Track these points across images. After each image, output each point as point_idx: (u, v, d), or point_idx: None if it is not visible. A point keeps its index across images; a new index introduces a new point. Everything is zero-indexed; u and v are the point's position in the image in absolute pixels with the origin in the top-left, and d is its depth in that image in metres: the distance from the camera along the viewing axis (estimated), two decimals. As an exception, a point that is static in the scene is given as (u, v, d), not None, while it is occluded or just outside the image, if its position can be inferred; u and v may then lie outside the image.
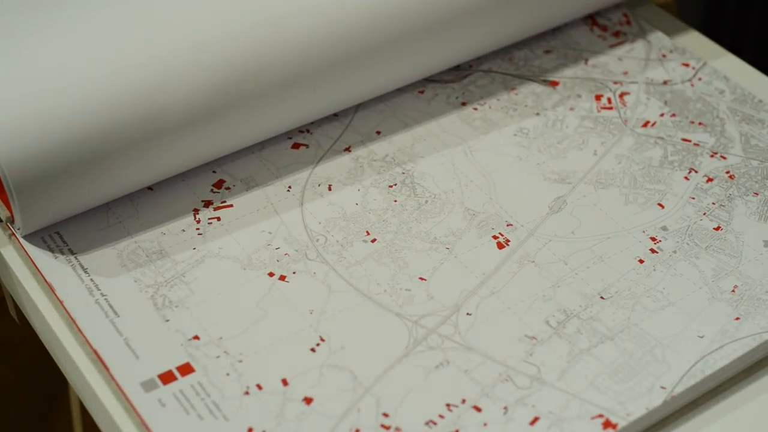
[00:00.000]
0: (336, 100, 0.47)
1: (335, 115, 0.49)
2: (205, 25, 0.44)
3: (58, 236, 0.44)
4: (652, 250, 0.44)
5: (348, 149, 0.48)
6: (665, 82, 0.51)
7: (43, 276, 0.42)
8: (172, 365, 0.40)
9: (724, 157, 0.48)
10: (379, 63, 0.47)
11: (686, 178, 0.47)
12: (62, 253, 0.43)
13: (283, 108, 0.46)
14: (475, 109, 0.50)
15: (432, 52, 0.48)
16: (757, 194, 0.46)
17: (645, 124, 0.49)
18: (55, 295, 0.42)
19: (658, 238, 0.44)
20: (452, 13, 0.48)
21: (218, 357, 0.40)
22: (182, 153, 0.44)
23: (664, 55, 0.53)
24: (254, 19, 0.44)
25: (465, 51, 0.50)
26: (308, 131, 0.48)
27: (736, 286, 0.43)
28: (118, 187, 0.44)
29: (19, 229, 0.43)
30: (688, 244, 0.44)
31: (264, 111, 0.45)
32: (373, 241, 0.44)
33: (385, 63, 0.47)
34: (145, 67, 0.42)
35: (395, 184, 0.46)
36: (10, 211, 0.43)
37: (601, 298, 0.42)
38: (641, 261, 0.44)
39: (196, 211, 0.45)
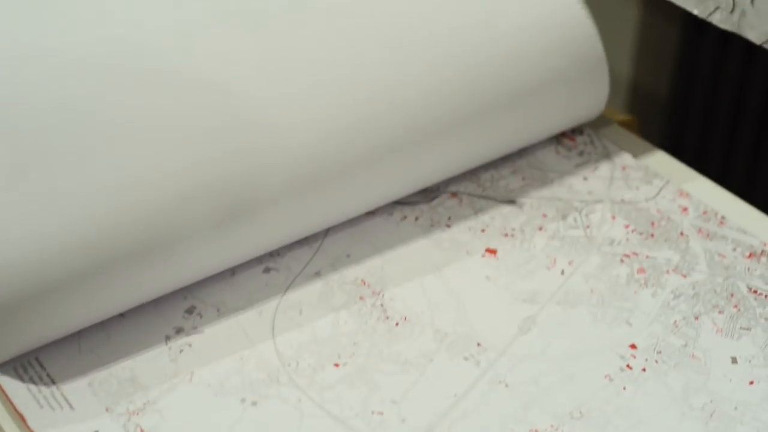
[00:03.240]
0: (307, 226, 0.48)
1: (305, 238, 0.50)
2: (171, 156, 0.44)
3: (30, 364, 0.44)
4: (622, 368, 0.44)
5: (318, 273, 0.48)
6: (630, 201, 0.52)
7: (12, 404, 0.42)
8: (143, 495, 0.39)
9: (690, 275, 0.48)
10: (350, 188, 0.48)
11: (653, 295, 0.47)
12: (33, 381, 0.43)
13: (254, 235, 0.46)
14: (444, 230, 0.50)
15: (401, 176, 0.49)
16: (722, 312, 0.47)
17: (611, 243, 0.50)
18: (26, 424, 0.41)
19: (627, 356, 0.45)
20: (422, 139, 0.49)
21: (190, 485, 0.40)
22: (153, 282, 0.44)
23: (627, 174, 0.54)
24: (225, 149, 0.45)
25: (433, 175, 0.51)
26: (278, 255, 0.49)
27: (705, 403, 0.43)
28: (88, 316, 0.44)
29: (-11, 359, 0.43)
30: (656, 361, 0.45)
31: (234, 238, 0.45)
32: (345, 364, 0.44)
33: (355, 188, 0.48)
34: (113, 196, 0.43)
35: (366, 307, 0.47)
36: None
37: (572, 417, 0.42)
38: (611, 379, 0.44)
39: (167, 337, 0.45)
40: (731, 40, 0.81)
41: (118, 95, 0.45)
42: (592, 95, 0.54)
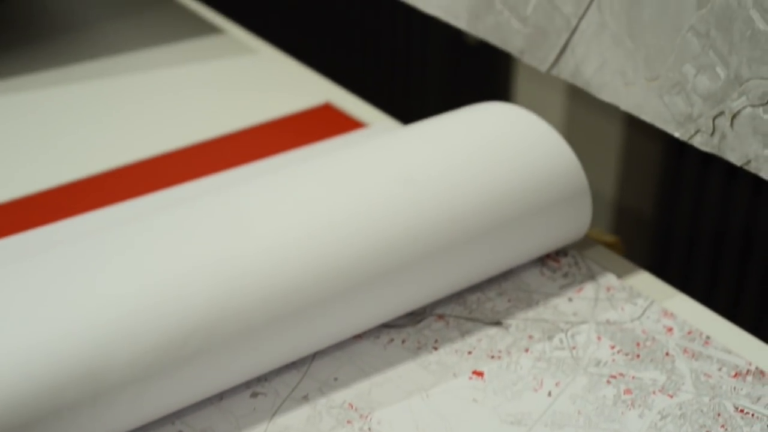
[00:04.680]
0: (294, 352, 0.48)
1: (293, 362, 0.50)
2: (160, 282, 0.45)
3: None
4: (610, 491, 0.44)
5: (306, 397, 0.48)
6: (615, 322, 0.53)
7: None
8: None
9: (676, 395, 0.49)
10: (337, 315, 0.48)
11: (640, 416, 0.47)
12: None
13: (242, 360, 0.46)
14: (431, 353, 0.51)
15: (388, 301, 0.50)
16: (710, 431, 0.47)
17: (597, 364, 0.50)
18: None
19: (616, 479, 0.45)
20: (410, 266, 0.49)
21: None
22: (142, 409, 0.44)
23: (612, 295, 0.54)
24: (210, 281, 0.45)
25: (420, 299, 0.51)
26: (266, 379, 0.49)
27: None
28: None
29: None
30: (645, 483, 0.45)
31: (223, 364, 0.46)
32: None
33: (343, 315, 0.48)
34: (92, 324, 0.43)
35: (354, 431, 0.47)
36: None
37: None
38: (600, 502, 0.44)
39: (154, 464, 0.45)
40: (714, 161, 0.82)
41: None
42: (575, 221, 0.55)
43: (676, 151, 0.85)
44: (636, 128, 0.88)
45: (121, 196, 0.59)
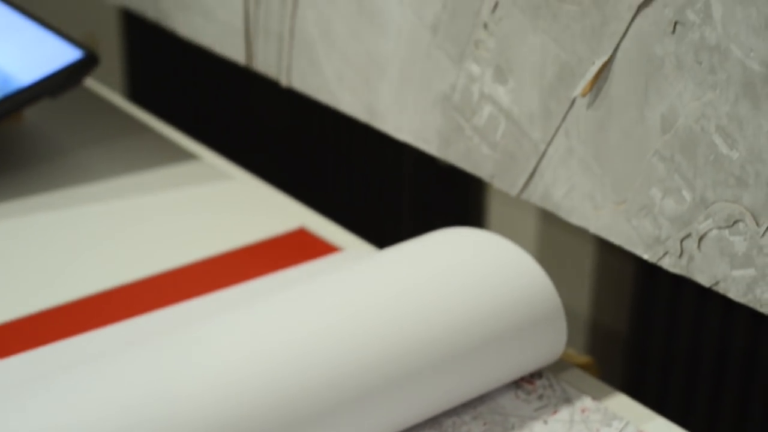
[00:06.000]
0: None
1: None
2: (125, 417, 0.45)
3: None
4: None
5: None
6: (590, 444, 0.53)
7: None
8: None
9: None
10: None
11: None
12: None
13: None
14: (407, 478, 0.50)
15: (363, 427, 0.50)
16: None
17: (574, 488, 0.50)
18: None
19: None
20: (383, 391, 0.49)
21: None
22: None
23: (587, 417, 0.54)
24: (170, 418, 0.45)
25: (396, 424, 0.51)
26: None
27: None
28: None
29: None
30: None
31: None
32: None
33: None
34: None
35: None
36: None
37: None
38: None
39: None
40: (686, 280, 0.83)
41: None
42: (550, 344, 0.55)
43: (649, 270, 0.86)
44: (609, 248, 0.89)
45: (93, 323, 0.59)
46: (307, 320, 0.50)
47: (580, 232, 0.89)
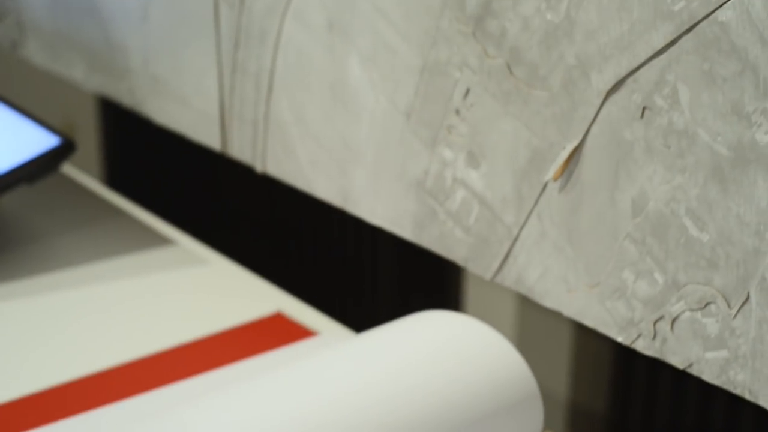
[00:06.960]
0: None
1: None
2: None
3: None
4: None
5: None
6: None
7: None
8: None
9: None
10: None
11: None
12: None
13: None
14: None
15: None
16: None
17: None
18: None
19: None
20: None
21: None
22: None
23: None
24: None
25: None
26: None
27: None
28: None
29: None
30: None
31: None
32: None
33: None
34: None
35: None
36: None
37: None
38: None
39: None
40: (661, 362, 0.83)
41: None
42: (527, 427, 0.55)
43: (627, 350, 0.86)
44: (586, 329, 0.89)
45: (67, 411, 0.59)
46: (284, 409, 0.50)
47: (558, 313, 0.89)
